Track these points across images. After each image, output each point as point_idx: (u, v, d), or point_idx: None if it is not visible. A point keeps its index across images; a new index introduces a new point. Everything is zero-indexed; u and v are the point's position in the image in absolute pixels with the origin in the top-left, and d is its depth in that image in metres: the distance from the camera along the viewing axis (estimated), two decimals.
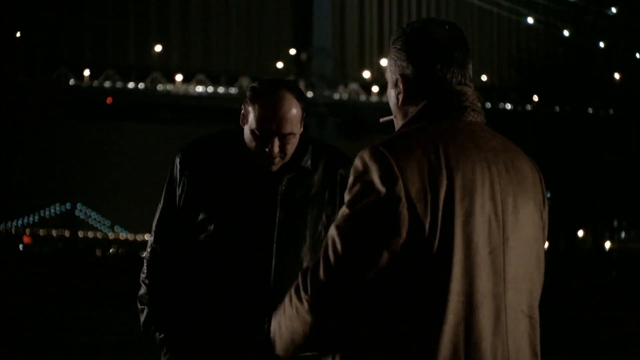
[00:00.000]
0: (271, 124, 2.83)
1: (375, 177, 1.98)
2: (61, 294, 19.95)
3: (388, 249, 1.96)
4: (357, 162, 2.03)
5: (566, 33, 58.69)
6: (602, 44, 54.21)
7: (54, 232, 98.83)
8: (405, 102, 2.18)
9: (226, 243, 2.89)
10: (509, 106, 48.89)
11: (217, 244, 2.90)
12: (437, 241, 1.98)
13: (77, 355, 10.34)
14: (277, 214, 2.89)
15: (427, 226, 1.97)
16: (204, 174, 2.93)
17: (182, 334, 2.98)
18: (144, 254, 3.11)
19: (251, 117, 2.86)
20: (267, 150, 2.85)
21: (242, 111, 2.94)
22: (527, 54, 47.45)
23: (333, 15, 60.39)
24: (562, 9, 60.34)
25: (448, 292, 1.99)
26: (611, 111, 43.11)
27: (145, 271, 3.02)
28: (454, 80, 2.14)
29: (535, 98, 42.87)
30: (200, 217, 2.92)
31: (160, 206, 3.03)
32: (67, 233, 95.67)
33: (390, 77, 2.22)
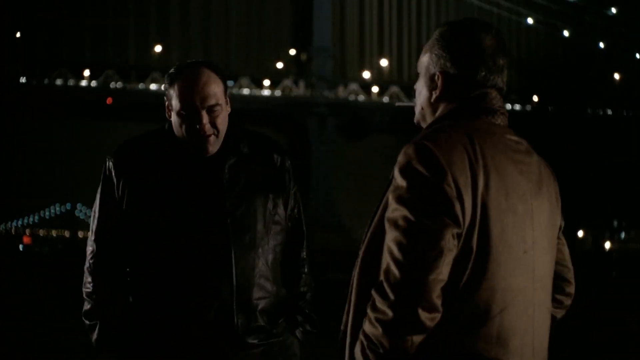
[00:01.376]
0: (194, 98, 2.80)
1: (425, 171, 1.98)
2: (61, 294, 19.92)
3: (452, 240, 1.96)
4: (403, 159, 2.03)
5: (566, 33, 58.68)
6: (602, 44, 54.18)
7: (54, 233, 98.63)
8: (440, 99, 2.19)
9: (179, 239, 2.81)
10: (508, 106, 48.89)
11: (169, 241, 2.81)
12: (475, 236, 2.00)
13: (77, 355, 10.32)
14: (227, 203, 2.83)
15: (468, 220, 1.99)
16: (143, 173, 2.86)
17: (144, 347, 2.86)
18: (85, 265, 2.95)
19: (174, 100, 2.83)
20: (197, 127, 2.80)
21: (166, 102, 2.90)
22: (527, 54, 47.47)
23: (333, 15, 60.35)
24: (562, 9, 60.32)
25: (483, 287, 2.01)
26: (611, 111, 43.09)
27: (91, 284, 2.91)
28: (492, 85, 2.17)
29: (535, 98, 42.87)
30: (146, 217, 2.82)
31: (96, 213, 2.92)
32: (67, 233, 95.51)
33: (426, 70, 2.21)
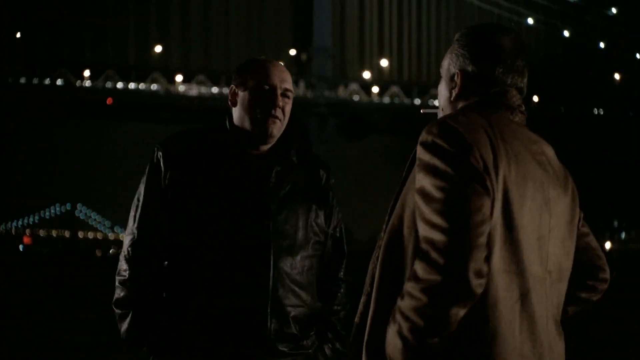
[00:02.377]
0: (274, 76, 2.86)
1: (451, 147, 1.96)
2: (61, 294, 19.93)
3: (489, 209, 1.94)
4: (427, 137, 2.00)
5: (566, 33, 58.65)
6: (602, 45, 54.14)
7: (54, 233, 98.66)
8: (459, 97, 2.20)
9: (219, 237, 2.77)
10: None
11: (210, 239, 2.77)
12: (498, 215, 1.98)
13: (77, 355, 10.33)
14: (270, 207, 2.81)
15: (493, 197, 1.97)
16: (192, 166, 2.83)
17: (172, 343, 2.80)
18: (123, 253, 2.88)
19: (251, 79, 2.86)
20: (271, 104, 2.83)
21: (233, 89, 2.91)
22: (528, 54, 47.45)
23: (333, 15, 60.33)
24: (562, 9, 60.29)
25: (505, 270, 1.99)
26: (611, 111, 43.06)
27: (127, 272, 2.84)
28: (512, 84, 2.20)
29: (536, 98, 42.84)
30: (189, 211, 2.79)
31: (140, 202, 2.87)
32: (67, 233, 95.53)
33: (447, 71, 2.23)
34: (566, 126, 38.10)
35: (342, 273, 3.05)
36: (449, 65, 2.23)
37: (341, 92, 58.33)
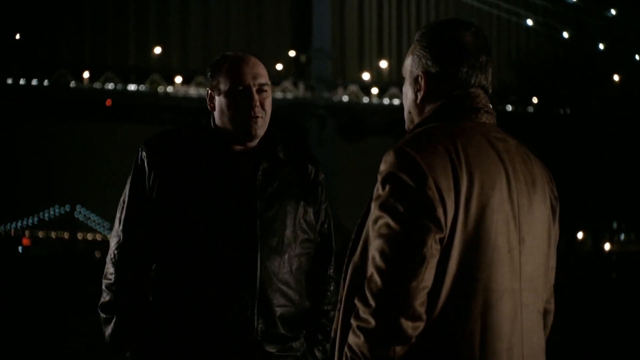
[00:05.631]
0: (246, 75, 2.80)
1: (406, 177, 1.96)
2: (60, 296, 19.92)
3: (434, 245, 1.95)
4: (384, 166, 2.01)
5: (566, 35, 58.68)
6: (601, 46, 54.14)
7: (53, 234, 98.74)
8: (425, 100, 2.16)
9: (206, 237, 2.71)
10: (508, 108, 48.89)
11: (196, 239, 2.72)
12: (457, 239, 1.98)
13: (77, 356, 10.33)
14: (257, 205, 2.76)
15: (450, 223, 1.97)
16: (177, 165, 2.77)
17: (158, 346, 2.74)
18: (109, 255, 2.80)
19: (223, 82, 2.81)
20: (249, 106, 2.77)
21: (209, 92, 2.87)
22: (527, 55, 47.46)
23: (332, 17, 60.36)
24: (561, 10, 60.34)
25: (465, 290, 1.99)
26: (611, 112, 43.04)
27: (113, 275, 2.77)
28: (476, 83, 2.14)
29: (535, 100, 42.82)
30: (176, 211, 2.73)
31: (125, 203, 2.80)
32: (66, 235, 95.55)
33: (410, 73, 2.20)
34: (566, 127, 38.09)
35: (331, 270, 2.98)
36: (411, 66, 2.19)
37: (340, 93, 58.35)
